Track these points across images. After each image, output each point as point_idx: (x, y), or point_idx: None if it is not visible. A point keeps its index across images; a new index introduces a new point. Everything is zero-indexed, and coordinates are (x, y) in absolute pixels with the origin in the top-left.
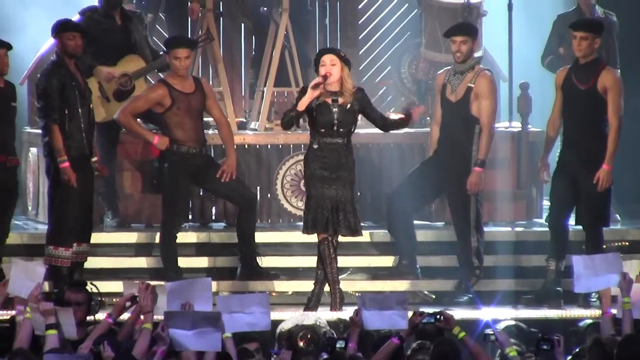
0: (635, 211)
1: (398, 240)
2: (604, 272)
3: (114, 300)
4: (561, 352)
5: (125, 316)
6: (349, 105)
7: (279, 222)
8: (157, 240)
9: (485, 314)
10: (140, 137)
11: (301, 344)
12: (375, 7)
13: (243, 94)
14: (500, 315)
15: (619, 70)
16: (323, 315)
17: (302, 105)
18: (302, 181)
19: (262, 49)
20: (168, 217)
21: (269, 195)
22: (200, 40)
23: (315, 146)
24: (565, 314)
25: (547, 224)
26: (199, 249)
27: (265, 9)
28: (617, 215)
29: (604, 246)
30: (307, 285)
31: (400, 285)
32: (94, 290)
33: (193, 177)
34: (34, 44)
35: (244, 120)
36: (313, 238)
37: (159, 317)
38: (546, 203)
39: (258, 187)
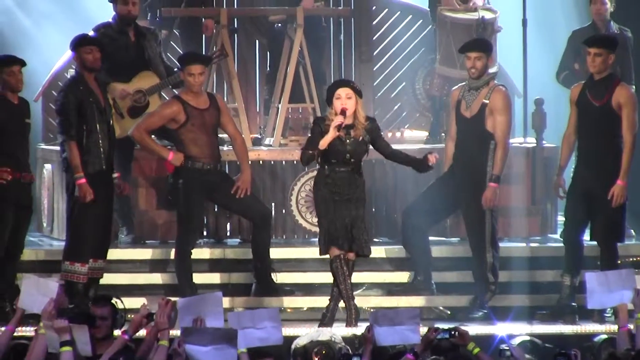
0: None
1: (413, 256)
2: (618, 288)
3: (129, 316)
4: None
5: (141, 333)
6: (361, 138)
7: (294, 238)
8: (172, 256)
9: (500, 329)
10: (155, 154)
11: (316, 359)
12: (389, 23)
13: (258, 110)
14: (515, 331)
15: (634, 86)
16: (338, 331)
17: (323, 145)
18: None
19: (277, 65)
20: (183, 234)
21: (283, 211)
22: (215, 56)
23: (326, 173)
24: (580, 330)
25: (561, 239)
26: (214, 265)
27: (279, 25)
28: (632, 230)
29: (619, 261)
30: (322, 301)
31: (415, 300)
32: (119, 304)
33: (208, 193)
34: (49, 61)
35: (259, 137)
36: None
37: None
38: (561, 218)
39: (273, 203)
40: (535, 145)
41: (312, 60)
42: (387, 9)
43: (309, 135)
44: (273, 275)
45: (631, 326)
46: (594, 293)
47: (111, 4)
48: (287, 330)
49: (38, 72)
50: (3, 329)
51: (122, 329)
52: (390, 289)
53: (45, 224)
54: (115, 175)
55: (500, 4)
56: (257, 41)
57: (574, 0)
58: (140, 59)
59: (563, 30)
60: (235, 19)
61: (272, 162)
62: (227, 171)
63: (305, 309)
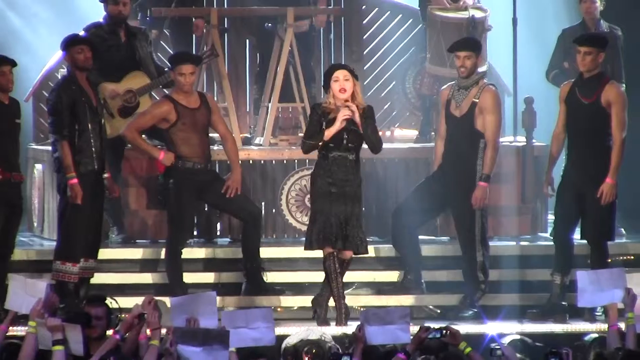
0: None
1: (403, 255)
2: (609, 287)
3: (123, 316)
4: None
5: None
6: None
7: (284, 238)
8: (163, 256)
9: (490, 328)
10: (146, 153)
11: (306, 359)
12: (379, 22)
13: (248, 110)
14: (506, 330)
15: (624, 85)
16: (328, 330)
17: (328, 136)
18: (307, 196)
19: (267, 64)
20: (173, 233)
21: (273, 210)
22: (205, 56)
23: (324, 161)
24: (571, 328)
25: (552, 238)
26: (204, 265)
27: (270, 24)
28: (622, 229)
29: (609, 260)
30: None
31: (406, 300)
32: (114, 304)
33: (198, 192)
34: (39, 61)
35: (249, 136)
36: (318, 253)
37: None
38: (551, 217)
39: (263, 203)
40: (525, 144)
41: (302, 59)
42: (377, 8)
43: (308, 122)
44: (263, 275)
45: (621, 325)
46: (585, 292)
47: (102, 4)
48: (278, 330)
49: (29, 72)
50: None
51: (114, 329)
52: (380, 288)
53: (35, 224)
54: (105, 175)
55: (491, 3)
56: (247, 41)
57: None
58: (131, 59)
59: (553, 29)
60: (226, 19)
61: (262, 162)
62: (217, 170)
63: (295, 308)
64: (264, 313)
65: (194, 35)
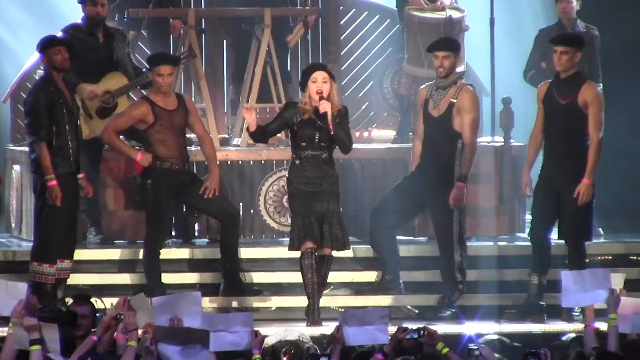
0: (617, 225)
1: (381, 256)
2: (593, 287)
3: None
4: None
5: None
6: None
7: (262, 238)
8: (141, 256)
9: (468, 328)
10: (124, 154)
11: (284, 359)
12: (357, 22)
13: (225, 110)
14: (484, 330)
15: (601, 85)
16: (306, 331)
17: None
18: (285, 197)
19: (243, 65)
20: (151, 234)
21: (251, 211)
22: (183, 57)
23: (297, 161)
24: (549, 328)
25: (529, 238)
26: (183, 265)
27: (247, 25)
28: (600, 229)
29: (587, 260)
30: (291, 301)
31: (384, 300)
32: (99, 303)
33: (176, 193)
34: (17, 62)
35: (227, 137)
36: (297, 254)
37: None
38: (528, 217)
39: (241, 203)
40: (503, 144)
41: (280, 60)
42: (354, 9)
43: (276, 115)
44: (241, 275)
45: (600, 325)
46: (570, 292)
47: (80, 5)
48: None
49: (6, 73)
50: None
51: (92, 330)
52: (358, 289)
53: (13, 225)
54: (80, 175)
55: (468, 3)
56: (224, 41)
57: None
58: (109, 60)
59: (530, 29)
60: (203, 20)
61: (240, 162)
62: (195, 171)
63: (273, 308)
64: (244, 317)
65: (171, 36)
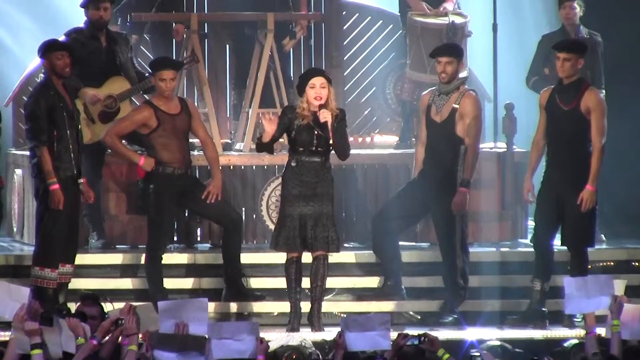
0: (619, 231)
1: (383, 261)
2: (596, 294)
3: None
4: None
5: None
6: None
7: (264, 243)
8: (143, 261)
9: (470, 334)
10: (126, 159)
11: None
12: (360, 28)
13: (228, 115)
14: (486, 336)
15: (604, 91)
16: (308, 336)
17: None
18: None
19: (245, 69)
20: (153, 239)
21: (254, 216)
22: (186, 61)
23: (294, 164)
24: (550, 335)
25: (532, 244)
26: (184, 270)
27: (250, 30)
28: (603, 235)
29: (589, 266)
30: None
31: (386, 306)
32: (108, 304)
33: (178, 198)
34: (19, 66)
35: (229, 141)
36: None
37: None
38: (531, 223)
39: (243, 208)
40: (505, 150)
41: (282, 65)
42: (357, 14)
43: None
44: (243, 280)
45: (599, 331)
46: (572, 298)
47: (83, 10)
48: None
49: (8, 77)
50: None
51: (92, 334)
52: (361, 294)
53: (15, 229)
54: (81, 180)
55: (471, 8)
56: (227, 46)
57: (544, 5)
58: (112, 64)
59: (533, 35)
60: (206, 24)
61: (243, 167)
62: (197, 176)
63: (275, 314)
64: (250, 326)
65: (174, 41)
